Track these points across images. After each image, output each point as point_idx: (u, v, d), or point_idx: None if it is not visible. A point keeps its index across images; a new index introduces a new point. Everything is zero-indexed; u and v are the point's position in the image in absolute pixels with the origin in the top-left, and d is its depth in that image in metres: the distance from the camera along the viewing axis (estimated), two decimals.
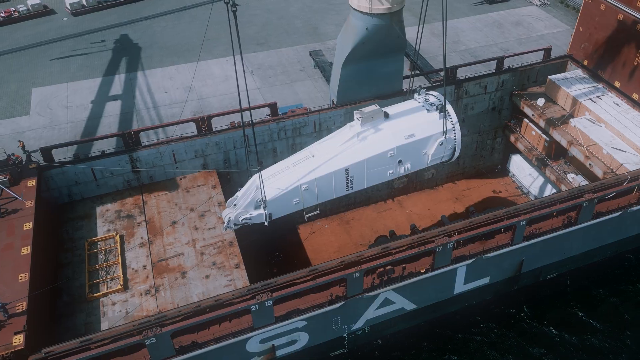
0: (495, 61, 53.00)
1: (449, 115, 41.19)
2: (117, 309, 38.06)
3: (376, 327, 41.23)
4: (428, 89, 45.44)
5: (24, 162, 43.21)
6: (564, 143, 48.87)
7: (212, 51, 63.38)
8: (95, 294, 38.61)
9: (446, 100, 41.23)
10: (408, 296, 40.12)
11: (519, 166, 56.69)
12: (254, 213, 38.63)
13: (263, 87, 57.48)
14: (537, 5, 68.41)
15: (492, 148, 58.35)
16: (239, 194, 39.28)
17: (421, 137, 40.92)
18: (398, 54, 47.26)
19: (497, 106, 54.82)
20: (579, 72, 52.95)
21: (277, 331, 36.94)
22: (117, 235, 42.70)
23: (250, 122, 37.11)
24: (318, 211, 40.92)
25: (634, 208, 43.22)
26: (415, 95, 43.18)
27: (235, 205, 39.06)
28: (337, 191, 40.77)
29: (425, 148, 41.48)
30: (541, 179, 53.32)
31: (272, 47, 63.68)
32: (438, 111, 40.91)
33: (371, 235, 52.86)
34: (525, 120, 53.50)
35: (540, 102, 52.19)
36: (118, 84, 58.57)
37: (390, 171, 41.07)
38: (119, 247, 41.85)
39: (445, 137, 41.33)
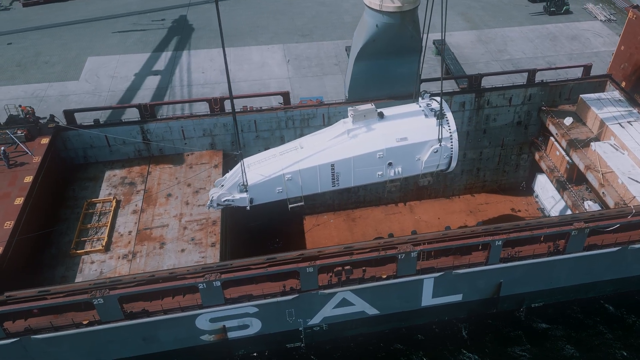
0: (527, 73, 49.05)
1: (447, 123, 38.62)
2: (93, 267, 39.05)
3: (335, 327, 39.58)
4: (433, 94, 42.66)
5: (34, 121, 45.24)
6: (581, 167, 44.41)
7: (258, 38, 63.44)
8: (78, 251, 39.83)
9: (446, 108, 38.73)
10: (369, 300, 38.13)
11: (543, 186, 52.22)
12: (237, 196, 38.21)
13: (294, 77, 56.77)
14: (601, 20, 62.47)
15: (516, 164, 54.13)
16: (227, 175, 39.15)
17: (414, 141, 38.63)
18: (412, 56, 44.72)
19: (524, 120, 50.71)
20: (616, 94, 47.75)
21: (227, 313, 36.42)
22: (114, 200, 43.81)
23: (232, 110, 36.67)
24: (302, 203, 39.64)
25: (636, 246, 38.37)
26: (419, 99, 40.83)
27: (222, 186, 38.90)
28: (323, 186, 39.33)
29: (418, 154, 39.08)
30: (562, 203, 48.75)
31: (315, 39, 62.69)
32: (436, 117, 38.42)
33: (373, 235, 50.90)
34: (552, 138, 49.11)
35: (568, 121, 47.69)
36: (163, 60, 60.06)
37: (380, 172, 39.16)
38: (112, 210, 42.95)
39: (440, 145, 38.72)
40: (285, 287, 36.39)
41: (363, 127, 38.52)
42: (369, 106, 38.76)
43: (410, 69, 45.84)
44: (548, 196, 51.23)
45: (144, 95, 54.53)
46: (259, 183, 37.78)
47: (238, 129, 47.77)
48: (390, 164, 38.80)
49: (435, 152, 38.81)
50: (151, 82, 56.73)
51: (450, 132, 38.74)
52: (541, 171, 52.16)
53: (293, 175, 37.77)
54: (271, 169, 38.00)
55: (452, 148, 39.08)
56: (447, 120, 38.67)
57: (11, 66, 59.52)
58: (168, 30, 65.22)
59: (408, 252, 35.74)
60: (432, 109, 39.32)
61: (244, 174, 37.00)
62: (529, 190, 54.97)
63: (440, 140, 38.48)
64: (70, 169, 46.81)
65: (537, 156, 51.29)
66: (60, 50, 62.32)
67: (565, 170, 47.39)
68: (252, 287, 36.65)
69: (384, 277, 37.03)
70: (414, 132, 38.68)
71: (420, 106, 40.10)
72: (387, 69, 45.28)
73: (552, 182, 49.09)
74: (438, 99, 40.05)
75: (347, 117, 38.91)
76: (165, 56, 60.80)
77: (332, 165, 38.15)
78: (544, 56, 57.82)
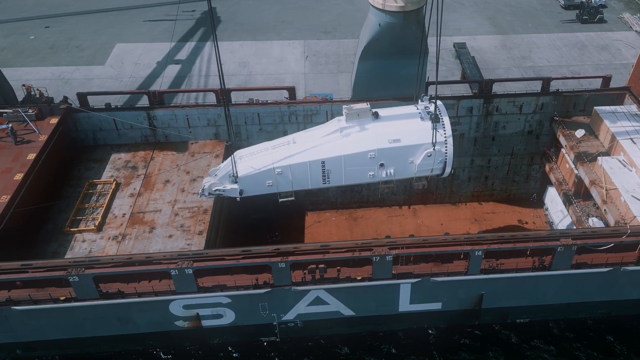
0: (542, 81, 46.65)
1: (443, 128, 37.10)
2: (84, 246, 39.58)
3: (310, 324, 38.67)
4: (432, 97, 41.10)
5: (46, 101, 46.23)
6: (586, 181, 41.84)
7: (281, 33, 63.10)
8: (72, 229, 40.46)
9: (443, 112, 37.28)
10: (344, 301, 37.08)
11: (553, 199, 49.59)
12: (228, 186, 37.98)
13: (310, 73, 56.18)
14: (636, 31, 58.82)
15: (527, 174, 51.56)
16: (221, 165, 39.06)
17: (407, 144, 37.25)
18: (416, 57, 43.17)
19: (535, 130, 48.20)
20: (633, 108, 44.69)
21: (200, 301, 36.19)
22: (114, 182, 44.34)
23: (224, 102, 36.49)
24: (293, 198, 38.99)
25: (629, 268, 35.73)
26: (419, 101, 39.45)
27: (215, 175, 38.84)
28: (313, 182, 38.54)
29: (412, 156, 37.65)
30: (569, 218, 46.18)
31: (337, 36, 61.85)
32: (431, 121, 37.00)
33: (372, 236, 49.57)
34: (563, 150, 46.53)
35: (579, 133, 45.04)
36: (186, 50, 60.63)
37: (371, 173, 38.01)
38: (110, 192, 43.46)
39: (434, 149, 37.22)
40: (258, 280, 35.82)
41: (356, 126, 37.51)
42: (363, 105, 37.70)
43: (415, 71, 44.44)
44: (557, 210, 48.68)
45: (162, 83, 55.13)
46: (250, 175, 37.36)
47: (242, 121, 47.85)
48: (382, 164, 37.57)
49: (429, 156, 37.29)
50: (171, 71, 57.32)
51: (445, 137, 37.15)
52: (552, 183, 49.61)
53: (283, 169, 37.15)
54: (262, 162, 37.50)
55: (446, 153, 37.48)
56: (443, 125, 37.10)
57: (44, 48, 61.42)
58: (196, 22, 65.79)
59: (383, 255, 34.50)
60: (429, 112, 37.77)
61: (233, 165, 36.71)
62: (539, 203, 52.32)
63: (434, 144, 36.94)
64: (80, 150, 47.71)
65: (547, 167, 48.78)
66: (92, 35, 63.82)
67: (574, 184, 44.83)
68: (227, 278, 36.27)
69: (359, 278, 35.91)
70: (408, 135, 37.32)
71: (417, 108, 38.63)
72: (391, 69, 44.01)
73: (559, 195, 46.55)
74: (438, 102, 38.67)
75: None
76: (189, 46, 61.35)
77: (323, 162, 37.28)
78: (569, 65, 55.00)
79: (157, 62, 58.64)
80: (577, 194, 44.78)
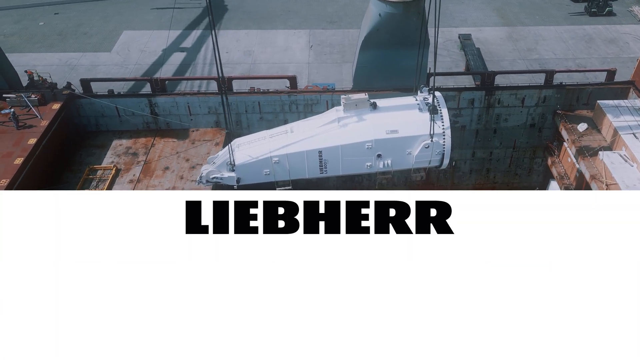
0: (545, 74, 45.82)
1: (441, 119, 36.84)
2: None
3: None
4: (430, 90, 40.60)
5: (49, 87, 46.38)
6: (587, 176, 41.11)
7: (286, 22, 62.75)
8: None
9: (441, 103, 37.03)
10: None
11: None
12: (226, 175, 38.18)
13: (313, 62, 55.83)
14: None
15: (529, 168, 50.81)
16: (219, 153, 39.18)
17: (404, 135, 37.11)
18: (417, 48, 42.68)
19: (538, 123, 47.40)
20: (637, 102, 43.72)
21: None
22: (114, 169, 44.42)
23: (221, 90, 36.41)
24: (290, 187, 39.02)
25: None
26: (418, 93, 39.14)
27: (213, 163, 38.97)
28: (310, 172, 38.60)
29: (409, 147, 37.50)
30: None
31: (342, 26, 61.33)
32: (429, 112, 36.68)
33: None
34: (565, 144, 45.77)
35: (582, 127, 44.21)
36: (192, 38, 60.56)
37: (369, 163, 37.93)
38: (110, 178, 43.56)
39: (432, 141, 36.94)
40: None
41: (354, 117, 37.47)
42: (361, 96, 37.67)
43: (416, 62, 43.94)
44: None
45: (167, 70, 55.15)
46: (247, 163, 37.48)
47: (242, 110, 47.67)
48: (379, 155, 37.47)
49: (426, 148, 37.12)
50: (176, 58, 57.30)
51: (443, 129, 36.87)
52: (554, 177, 48.89)
53: (280, 158, 37.25)
54: (259, 151, 37.60)
55: (444, 145, 37.21)
56: (441, 116, 36.84)
57: (53, 35, 61.65)
58: (203, 10, 65.50)
59: None
60: (427, 103, 37.48)
61: (231, 153, 36.80)
62: None
63: (431, 136, 36.66)
64: (82, 135, 47.82)
65: (549, 161, 48.03)
66: (100, 23, 63.93)
67: (575, 178, 44.13)
68: None
69: None
70: (406, 125, 37.17)
71: (416, 100, 38.39)
72: (392, 60, 43.62)
73: (560, 189, 45.86)
74: (437, 94, 38.32)
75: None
76: (195, 34, 61.25)
77: (320, 152, 37.31)
78: (575, 58, 54.03)
79: (162, 50, 58.60)
80: (579, 189, 44.04)
